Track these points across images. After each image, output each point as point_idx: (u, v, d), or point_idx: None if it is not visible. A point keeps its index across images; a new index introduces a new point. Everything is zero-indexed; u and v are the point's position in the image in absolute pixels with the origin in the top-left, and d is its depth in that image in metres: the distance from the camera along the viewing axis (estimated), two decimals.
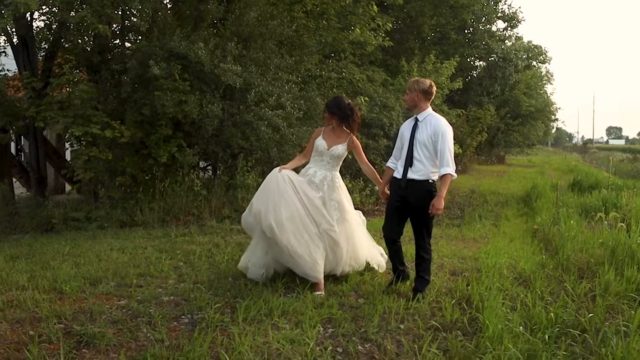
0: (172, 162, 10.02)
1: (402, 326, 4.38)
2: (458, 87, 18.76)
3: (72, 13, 9.80)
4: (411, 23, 21.57)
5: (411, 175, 5.03)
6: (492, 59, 27.78)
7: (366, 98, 13.06)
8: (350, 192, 6.91)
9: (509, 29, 29.11)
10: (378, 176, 5.66)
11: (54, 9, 10.11)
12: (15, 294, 4.89)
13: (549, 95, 37.78)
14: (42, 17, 10.94)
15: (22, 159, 12.82)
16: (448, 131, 4.98)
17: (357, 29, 14.03)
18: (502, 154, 33.74)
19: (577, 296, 5.05)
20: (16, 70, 11.31)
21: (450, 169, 4.91)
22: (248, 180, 9.81)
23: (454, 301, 4.88)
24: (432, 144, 4.98)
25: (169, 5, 12.05)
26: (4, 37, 10.86)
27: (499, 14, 27.70)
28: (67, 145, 12.26)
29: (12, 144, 12.92)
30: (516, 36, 30.81)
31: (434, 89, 5.15)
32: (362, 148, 5.71)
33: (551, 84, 43.75)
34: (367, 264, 5.77)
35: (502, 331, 4.01)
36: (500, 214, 10.94)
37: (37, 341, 3.74)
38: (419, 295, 4.98)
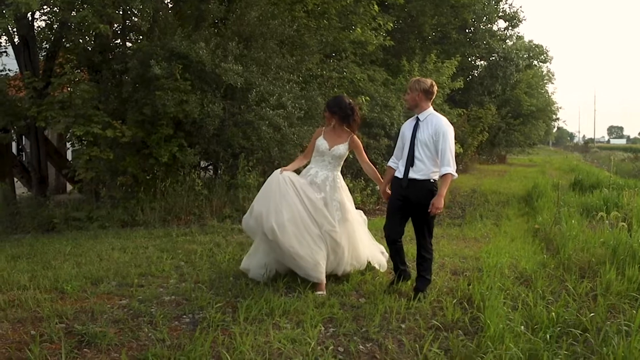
0: (173, 162, 10.03)
1: (403, 326, 4.38)
2: (459, 87, 18.75)
3: (73, 13, 9.81)
4: (412, 22, 21.56)
5: (412, 174, 5.03)
6: (493, 58, 27.76)
7: (367, 97, 13.06)
8: (352, 191, 6.92)
9: (510, 28, 29.10)
10: (379, 176, 5.66)
11: (55, 8, 10.11)
12: (17, 293, 4.89)
13: (550, 94, 37.83)
14: (43, 17, 10.97)
15: (24, 158, 12.83)
16: (449, 131, 4.98)
17: (358, 29, 14.03)
18: (503, 154, 33.72)
19: (578, 295, 5.04)
20: (17, 70, 11.33)
21: (451, 168, 4.91)
22: (249, 180, 9.81)
23: (455, 301, 4.88)
24: (433, 143, 4.97)
25: (170, 5, 12.05)
26: (5, 37, 10.88)
27: (500, 14, 27.68)
28: (68, 144, 12.29)
29: (14, 144, 12.94)
30: (517, 35, 30.85)
31: (435, 88, 5.15)
32: (363, 147, 5.70)
33: (552, 83, 43.96)
34: (368, 263, 5.77)
35: (504, 331, 4.01)
36: (501, 214, 10.94)
37: (39, 341, 3.75)
38: (420, 294, 4.98)
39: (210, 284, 5.33)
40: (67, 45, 10.99)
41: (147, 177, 10.09)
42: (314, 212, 5.19)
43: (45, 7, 10.24)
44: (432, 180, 5.01)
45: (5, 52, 11.35)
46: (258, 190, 5.58)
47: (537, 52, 31.66)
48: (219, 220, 9.20)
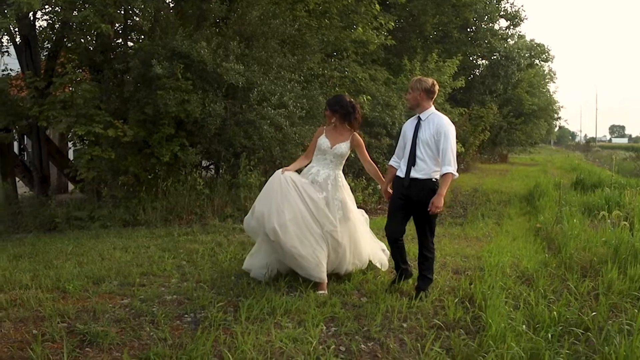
0: (174, 161, 10.03)
1: (405, 325, 4.38)
2: (460, 86, 18.73)
3: (75, 12, 9.82)
4: (413, 22, 21.56)
5: (414, 174, 5.02)
6: (495, 57, 27.74)
7: (368, 97, 13.05)
8: (353, 190, 6.91)
9: (512, 27, 29.10)
10: (381, 175, 5.65)
11: (57, 8, 10.12)
12: (19, 293, 4.90)
13: (551, 93, 37.78)
14: (45, 17, 10.98)
15: (25, 158, 12.87)
16: (451, 130, 4.98)
17: (360, 28, 14.02)
18: (504, 153, 33.68)
19: (580, 295, 5.04)
20: (19, 70, 11.33)
21: (452, 168, 4.90)
22: (251, 179, 9.81)
23: (456, 300, 4.88)
24: (434, 143, 4.97)
25: (171, 5, 12.06)
26: (7, 37, 10.89)
27: (502, 13, 27.66)
28: (70, 144, 12.30)
29: (15, 144, 12.96)
30: (519, 34, 30.82)
31: (437, 87, 5.15)
32: (365, 147, 5.70)
33: (554, 82, 43.68)
34: (370, 262, 5.76)
35: (505, 330, 4.01)
36: (503, 213, 10.93)
37: (41, 340, 3.75)
38: (421, 294, 4.98)
39: (211, 284, 5.33)
40: (69, 44, 11.00)
41: (149, 177, 10.10)
42: (316, 212, 5.18)
43: (46, 6, 10.25)
44: (433, 180, 5.01)
45: (7, 51, 11.37)
46: (259, 190, 5.58)
47: (538, 51, 31.65)
48: (221, 220, 9.21)
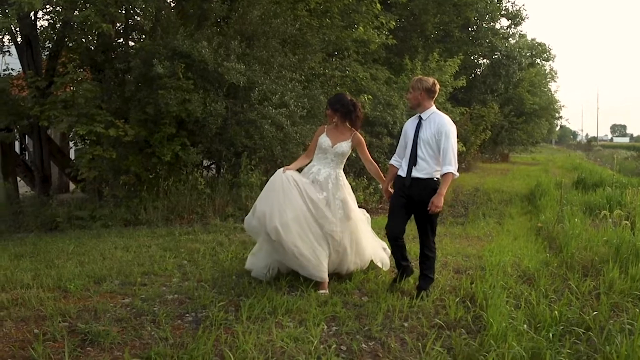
0: (175, 161, 10.04)
1: (406, 324, 4.38)
2: (462, 85, 18.71)
3: (76, 12, 9.82)
4: (415, 21, 21.56)
5: (415, 173, 5.02)
6: (496, 56, 27.72)
7: (370, 96, 13.05)
8: (354, 190, 6.91)
9: (513, 26, 29.07)
10: (382, 174, 5.64)
11: (58, 8, 10.12)
12: (20, 292, 4.90)
13: (552, 93, 37.75)
14: (46, 17, 10.98)
15: (27, 158, 12.86)
16: (452, 130, 4.97)
17: (361, 27, 14.02)
18: (506, 152, 33.67)
19: (581, 294, 5.04)
20: (20, 70, 11.34)
21: (453, 167, 4.90)
22: (252, 179, 9.82)
23: (458, 299, 4.88)
24: (435, 142, 4.96)
25: (172, 4, 12.07)
26: (8, 37, 10.89)
27: (503, 12, 27.62)
28: (71, 144, 12.30)
29: (17, 143, 12.96)
30: (520, 34, 30.81)
31: (437, 87, 5.14)
32: (366, 146, 5.68)
33: (555, 81, 43.74)
34: (371, 262, 5.75)
35: (506, 329, 4.00)
36: (504, 212, 10.93)
37: (42, 339, 3.76)
38: (423, 293, 4.98)
39: (213, 283, 5.33)
40: (70, 44, 11.01)
41: (150, 176, 10.11)
42: (316, 213, 5.16)
43: (47, 6, 10.25)
44: (435, 179, 5.00)
45: (8, 51, 11.37)
46: (260, 189, 5.57)
47: (539, 51, 31.62)
48: (222, 219, 9.21)
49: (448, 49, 22.58)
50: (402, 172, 5.14)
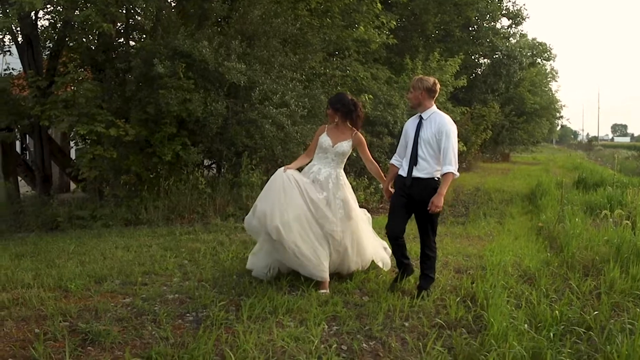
0: (176, 161, 10.04)
1: (406, 324, 4.38)
2: (462, 85, 18.69)
3: (77, 12, 9.83)
4: (415, 21, 21.56)
5: (416, 173, 5.01)
6: (497, 56, 27.69)
7: (370, 96, 13.06)
8: (355, 189, 6.90)
9: (514, 26, 29.04)
10: (382, 174, 5.64)
11: (59, 7, 10.12)
12: (21, 292, 4.90)
13: (553, 92, 37.64)
14: (47, 16, 10.97)
15: (27, 157, 12.86)
16: (452, 129, 4.96)
17: (361, 27, 14.01)
18: (506, 152, 33.64)
19: (582, 294, 5.04)
20: (21, 69, 11.34)
21: (453, 167, 4.89)
22: (252, 179, 9.82)
23: (458, 299, 4.88)
24: (436, 142, 4.96)
25: (173, 4, 12.07)
26: (8, 36, 10.89)
27: (504, 11, 27.60)
28: (72, 143, 12.30)
29: (18, 143, 12.96)
30: (520, 33, 30.75)
31: (438, 86, 5.14)
32: (367, 145, 5.68)
33: (556, 81, 43.68)
34: (372, 262, 5.75)
35: (507, 329, 4.00)
36: (505, 212, 10.93)
37: (43, 339, 3.76)
38: (423, 293, 4.98)
39: (213, 283, 5.33)
40: (71, 44, 11.00)
41: (151, 176, 10.11)
42: (317, 213, 5.16)
43: (48, 6, 10.25)
44: (435, 179, 5.00)
45: (9, 51, 11.37)
46: (261, 189, 5.54)
47: (540, 50, 31.58)
48: (223, 219, 9.22)
49: (449, 48, 22.58)
50: (403, 172, 5.13)
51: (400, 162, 5.26)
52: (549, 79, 36.91)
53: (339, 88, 12.56)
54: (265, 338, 3.92)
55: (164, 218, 9.31)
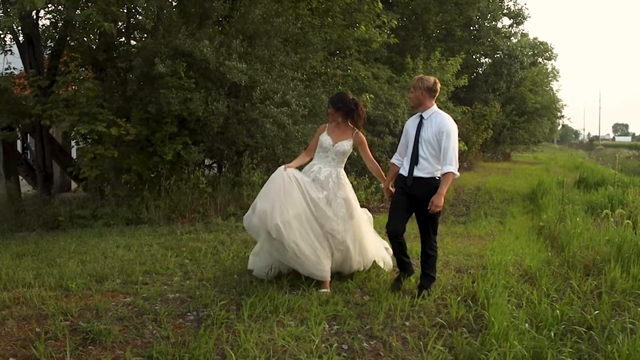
0: (177, 160, 10.05)
1: (407, 323, 4.38)
2: (463, 84, 18.71)
3: (78, 11, 9.82)
4: (416, 20, 21.56)
5: (417, 173, 5.01)
6: (498, 55, 27.69)
7: (371, 95, 13.06)
8: (356, 189, 6.89)
9: (515, 25, 29.05)
10: (383, 173, 5.63)
11: (60, 7, 10.11)
12: (22, 291, 4.91)
13: (555, 92, 37.63)
14: (48, 15, 10.96)
15: (29, 156, 12.90)
16: (453, 129, 4.96)
17: (362, 26, 14.02)
18: (507, 151, 33.62)
19: (583, 293, 5.03)
20: (22, 69, 11.34)
21: (453, 167, 4.88)
22: (253, 178, 9.83)
23: (459, 298, 4.87)
24: (437, 141, 4.95)
25: (174, 3, 12.06)
26: (10, 35, 10.88)
27: (505, 11, 27.62)
28: (73, 143, 12.30)
29: (19, 142, 12.97)
30: (522, 33, 30.78)
31: (439, 86, 5.13)
32: (368, 145, 5.67)
33: (557, 80, 43.60)
34: (373, 261, 5.74)
35: (508, 328, 4.00)
36: (505, 211, 10.92)
37: (44, 338, 3.76)
38: (424, 292, 4.98)
39: (214, 282, 5.33)
40: (72, 43, 11.00)
41: (152, 175, 10.12)
42: (316, 212, 5.14)
43: (49, 5, 10.25)
44: (437, 178, 4.99)
45: (10, 50, 11.36)
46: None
47: (541, 50, 31.58)
48: (223, 218, 9.22)
49: (450, 47, 22.58)
50: (404, 172, 5.13)
51: (401, 162, 5.26)
52: (550, 78, 36.93)
53: (340, 87, 12.56)
54: (266, 337, 3.92)
55: (165, 217, 9.32)
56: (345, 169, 5.56)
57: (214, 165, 12.42)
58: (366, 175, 11.56)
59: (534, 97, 29.71)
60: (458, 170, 4.99)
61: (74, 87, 10.16)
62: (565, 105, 42.99)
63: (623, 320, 4.22)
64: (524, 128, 30.44)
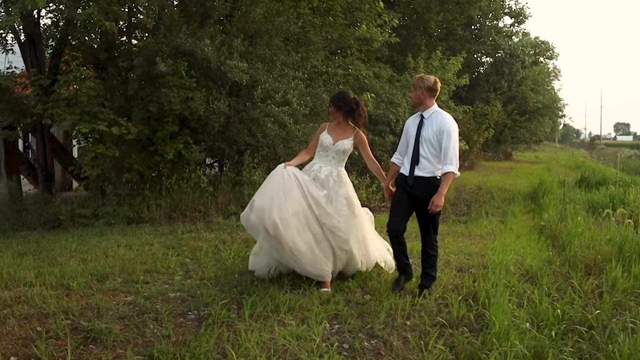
0: (178, 159, 10.05)
1: (408, 322, 4.38)
2: (465, 84, 18.71)
3: (79, 10, 9.82)
4: (418, 19, 21.55)
5: (418, 172, 5.00)
6: (499, 55, 27.69)
7: (372, 94, 13.07)
8: (357, 188, 6.88)
9: (516, 24, 29.09)
10: (383, 173, 5.62)
11: (61, 6, 10.13)
12: (23, 290, 4.91)
13: (556, 91, 37.60)
14: (49, 15, 10.96)
15: (30, 156, 12.89)
16: (453, 129, 4.95)
17: (364, 25, 14.01)
18: (509, 150, 33.62)
19: (584, 293, 5.03)
20: (24, 68, 11.35)
21: (454, 167, 4.87)
22: (254, 177, 9.83)
23: (460, 297, 4.87)
24: (437, 141, 4.94)
25: (175, 2, 12.06)
26: (11, 35, 10.89)
27: (506, 10, 27.62)
28: (74, 142, 12.30)
29: (20, 141, 12.98)
30: (523, 32, 30.80)
31: (439, 85, 5.12)
32: (369, 144, 5.66)
33: (558, 79, 43.52)
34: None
35: (509, 328, 4.00)
36: (507, 211, 10.91)
37: (45, 337, 3.76)
38: (425, 291, 4.97)
39: (215, 281, 5.34)
40: (73, 42, 11.01)
41: (153, 174, 10.12)
42: (317, 210, 5.11)
43: (51, 4, 10.26)
44: (438, 177, 4.98)
45: (12, 49, 11.37)
46: None
47: (543, 49, 31.56)
48: (224, 217, 9.22)
49: (451, 47, 22.58)
50: (405, 171, 5.12)
51: (401, 161, 5.25)
52: (552, 77, 36.90)
53: (341, 86, 12.56)
54: (267, 336, 3.92)
55: (166, 216, 9.32)
56: (346, 168, 5.55)
57: (215, 164, 12.43)
58: (367, 175, 11.56)
59: (535, 97, 29.71)
60: (459, 170, 4.99)
61: (75, 86, 10.17)
62: (566, 105, 42.84)
63: (624, 319, 4.22)
64: (525, 127, 30.44)
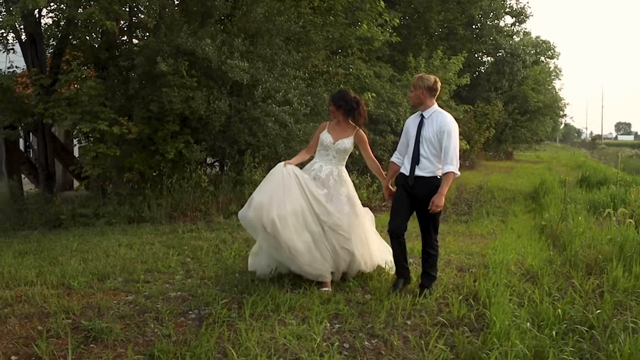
0: (179, 159, 10.06)
1: (408, 322, 4.38)
2: (465, 83, 18.69)
3: (80, 10, 9.83)
4: (418, 19, 21.53)
5: (418, 172, 5.00)
6: (500, 54, 27.67)
7: (373, 94, 13.06)
8: (358, 188, 6.88)
9: (517, 24, 29.04)
10: (383, 172, 5.61)
11: (62, 5, 10.13)
12: (24, 289, 4.92)
13: (557, 90, 37.58)
14: (50, 14, 10.97)
15: (31, 155, 12.89)
16: (454, 129, 4.94)
17: (364, 25, 14.00)
18: (510, 150, 33.60)
19: (584, 292, 5.03)
20: (24, 67, 11.36)
21: (454, 167, 4.87)
22: (255, 176, 9.82)
23: (461, 297, 4.86)
24: (437, 141, 4.94)
25: (176, 2, 12.06)
26: (12, 34, 10.89)
27: (507, 9, 27.59)
28: (75, 141, 12.32)
29: (21, 141, 12.99)
30: (524, 31, 30.76)
31: (439, 84, 5.11)
32: (369, 144, 5.65)
33: (559, 79, 43.54)
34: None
35: (509, 327, 4.00)
36: (507, 210, 10.90)
37: (46, 336, 3.76)
38: (425, 291, 4.97)
39: (216, 280, 5.34)
40: (74, 42, 11.01)
41: (154, 174, 10.12)
42: (318, 209, 5.09)
43: (52, 4, 10.26)
44: (438, 177, 4.98)
45: (13, 49, 11.37)
46: None
47: (544, 48, 31.53)
48: (225, 217, 9.22)
49: (452, 46, 22.57)
50: (405, 171, 5.11)
51: (401, 160, 5.24)
52: (553, 77, 36.90)
53: (341, 86, 12.57)
54: (268, 336, 3.92)
55: (167, 216, 9.33)
56: (347, 167, 5.55)
57: (216, 163, 12.43)
58: (368, 174, 11.55)
59: (536, 96, 29.69)
60: (459, 169, 4.99)
61: (76, 85, 10.17)
62: (567, 104, 42.92)
63: (625, 319, 4.22)
64: (526, 127, 30.42)
